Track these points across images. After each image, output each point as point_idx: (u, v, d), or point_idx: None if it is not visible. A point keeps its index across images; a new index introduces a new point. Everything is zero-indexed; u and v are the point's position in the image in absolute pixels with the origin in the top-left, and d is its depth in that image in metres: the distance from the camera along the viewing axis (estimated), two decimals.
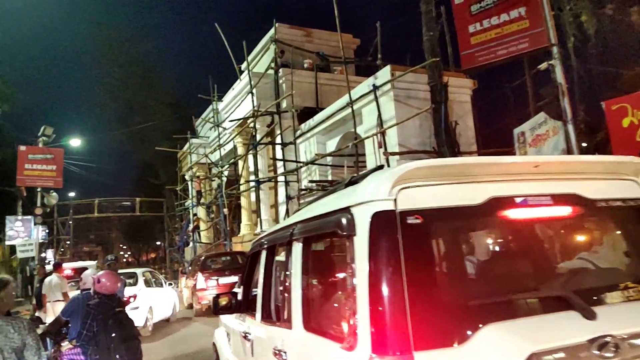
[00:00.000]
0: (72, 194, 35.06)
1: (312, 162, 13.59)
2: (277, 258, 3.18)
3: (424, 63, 10.00)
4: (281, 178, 14.93)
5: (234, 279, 11.94)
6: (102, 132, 30.72)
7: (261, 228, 15.01)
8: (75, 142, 23.21)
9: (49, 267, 14.01)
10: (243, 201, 17.55)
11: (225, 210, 19.20)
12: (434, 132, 10.38)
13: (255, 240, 4.04)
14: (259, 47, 17.27)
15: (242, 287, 4.05)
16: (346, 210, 1.96)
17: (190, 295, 13.96)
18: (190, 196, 24.75)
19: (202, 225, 22.53)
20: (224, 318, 4.53)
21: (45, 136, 16.95)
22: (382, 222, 1.77)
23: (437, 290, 1.82)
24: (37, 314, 9.87)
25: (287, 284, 2.73)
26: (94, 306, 4.41)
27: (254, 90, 15.14)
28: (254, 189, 17.32)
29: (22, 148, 17.01)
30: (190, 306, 13.78)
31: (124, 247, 73.00)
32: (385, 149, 10.00)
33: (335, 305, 2.38)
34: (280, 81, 15.45)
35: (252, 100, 15.06)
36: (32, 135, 19.16)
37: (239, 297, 3.88)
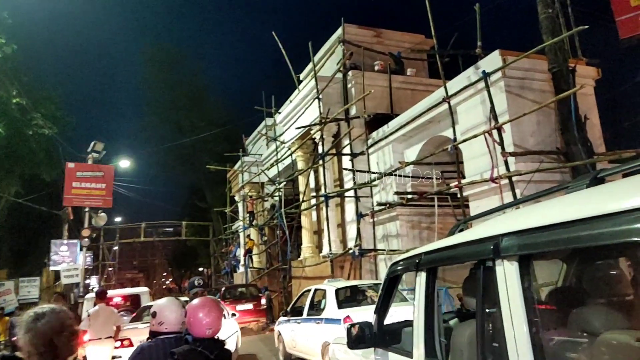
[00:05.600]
0: (118, 219, 34.51)
1: (392, 173, 11.80)
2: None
3: (548, 42, 8.19)
4: (350, 193, 13.19)
5: (250, 305, 15.80)
6: (150, 154, 29.97)
7: (330, 250, 13.24)
8: (124, 164, 22.39)
9: (89, 297, 12.23)
10: (304, 221, 15.85)
11: (279, 233, 17.57)
12: (561, 128, 8.47)
13: (399, 261, 3.26)
14: (324, 49, 15.85)
15: (376, 315, 3.44)
16: None
17: None
18: (241, 218, 23.32)
19: (255, 249, 20.92)
20: (337, 350, 4.24)
21: (96, 152, 15.93)
22: None
23: None
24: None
25: (488, 314, 2.13)
26: (180, 357, 2.73)
27: (321, 96, 13.61)
28: (314, 208, 15.72)
29: (71, 165, 16.00)
30: None
31: (165, 273, 72.62)
32: (503, 148, 8.10)
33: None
34: (349, 85, 13.90)
35: (319, 106, 13.52)
36: (81, 153, 18.31)
37: (374, 327, 3.38)
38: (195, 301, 2.92)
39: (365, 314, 6.81)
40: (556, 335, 2.08)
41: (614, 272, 2.23)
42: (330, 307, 7.85)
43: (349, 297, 8.50)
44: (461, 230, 2.71)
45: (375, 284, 8.93)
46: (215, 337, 2.95)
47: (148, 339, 3.34)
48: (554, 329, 2.14)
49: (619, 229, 1.37)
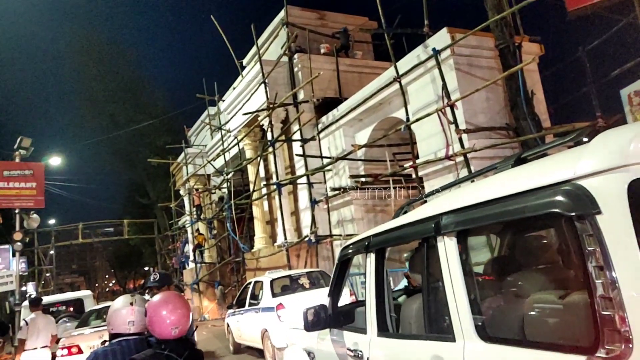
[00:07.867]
0: (52, 221, 32.50)
1: (345, 157, 11.65)
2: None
3: (493, 18, 8.25)
4: (303, 180, 12.93)
5: None
6: (83, 150, 28.20)
7: (285, 239, 12.95)
8: (55, 161, 20.83)
9: (25, 304, 11.43)
10: (255, 211, 15.43)
11: (230, 225, 17.03)
12: (510, 104, 8.61)
13: (350, 245, 3.41)
14: (267, 33, 15.34)
15: (330, 298, 3.54)
16: (566, 183, 1.50)
17: None
18: (188, 212, 22.49)
19: (205, 244, 20.24)
20: (294, 335, 4.39)
21: (23, 149, 14.53)
22: None
23: None
24: None
25: (432, 287, 2.37)
26: None
27: (267, 80, 13.19)
28: (266, 197, 15.34)
29: None
30: None
31: (107, 276, 69.56)
32: (457, 126, 8.12)
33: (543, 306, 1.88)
34: (296, 69, 13.56)
35: (266, 91, 13.10)
36: (7, 150, 16.82)
37: (328, 310, 3.48)
38: (157, 297, 2.56)
39: (296, 300, 7.85)
40: (493, 300, 2.29)
41: (541, 242, 2.47)
42: (266, 296, 8.52)
43: (284, 287, 8.97)
44: (405, 212, 2.87)
45: (309, 272, 9.58)
46: (183, 336, 2.62)
47: (103, 342, 2.98)
48: (491, 295, 2.35)
49: (538, 202, 1.57)
